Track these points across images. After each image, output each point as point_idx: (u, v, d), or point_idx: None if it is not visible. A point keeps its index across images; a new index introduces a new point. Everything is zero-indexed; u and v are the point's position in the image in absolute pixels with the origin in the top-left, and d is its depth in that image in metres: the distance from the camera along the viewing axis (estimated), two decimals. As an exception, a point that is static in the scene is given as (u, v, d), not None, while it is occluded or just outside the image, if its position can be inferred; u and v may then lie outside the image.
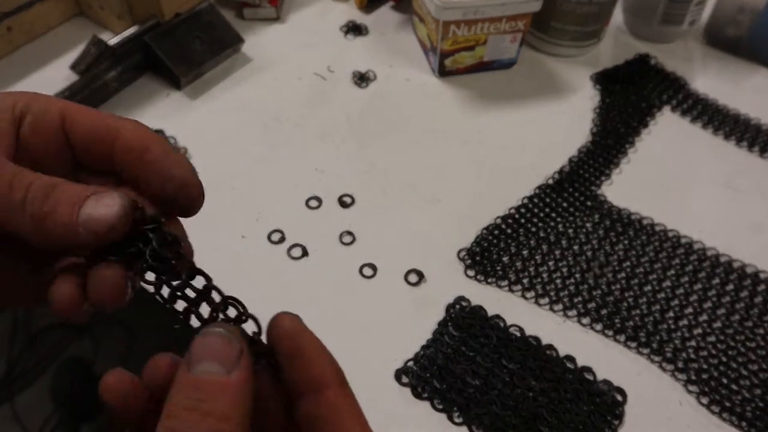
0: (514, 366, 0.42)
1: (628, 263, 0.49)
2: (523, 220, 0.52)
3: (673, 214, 0.53)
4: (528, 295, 0.47)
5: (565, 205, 0.54)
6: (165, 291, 0.22)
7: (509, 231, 0.51)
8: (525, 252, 0.50)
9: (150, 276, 0.22)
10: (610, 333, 0.45)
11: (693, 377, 0.43)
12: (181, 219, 0.25)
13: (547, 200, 0.54)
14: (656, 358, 0.44)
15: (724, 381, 0.43)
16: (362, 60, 0.68)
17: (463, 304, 0.46)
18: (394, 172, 0.56)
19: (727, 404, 0.41)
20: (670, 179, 0.57)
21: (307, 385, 0.22)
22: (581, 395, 0.41)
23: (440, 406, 0.41)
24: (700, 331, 0.45)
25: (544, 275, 0.48)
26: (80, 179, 0.24)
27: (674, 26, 0.69)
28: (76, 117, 0.23)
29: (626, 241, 0.51)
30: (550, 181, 0.55)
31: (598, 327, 0.45)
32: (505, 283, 0.48)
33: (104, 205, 0.20)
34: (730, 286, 0.48)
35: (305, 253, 0.50)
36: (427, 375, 0.42)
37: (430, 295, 0.47)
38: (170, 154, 0.24)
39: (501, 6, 0.59)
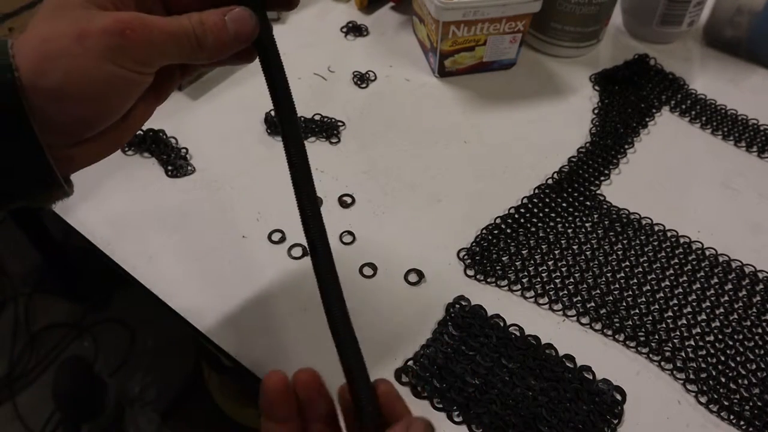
0: (513, 365, 0.43)
1: (627, 263, 0.49)
2: (522, 220, 0.52)
3: (672, 213, 0.53)
4: (527, 294, 0.47)
5: (564, 205, 0.54)
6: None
7: (509, 231, 0.52)
8: (524, 252, 0.50)
9: None
10: (609, 332, 0.45)
11: (692, 376, 0.43)
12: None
13: (547, 200, 0.54)
14: (655, 358, 0.44)
15: (723, 380, 0.43)
16: (362, 60, 0.68)
17: (463, 303, 0.46)
18: (394, 172, 0.57)
19: (726, 403, 0.42)
20: (669, 179, 0.57)
21: None
22: (581, 394, 0.41)
23: (440, 406, 0.41)
24: (698, 330, 0.46)
25: (544, 275, 0.48)
26: None
27: (673, 27, 0.69)
28: None
29: (625, 241, 0.51)
30: (550, 181, 0.56)
31: (598, 326, 0.46)
32: (505, 282, 0.48)
33: (242, 22, 0.30)
34: (729, 286, 0.48)
35: (305, 253, 0.50)
36: (427, 374, 0.42)
37: (430, 294, 0.47)
38: None
39: (501, 7, 0.59)
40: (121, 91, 0.28)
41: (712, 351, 0.44)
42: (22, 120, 0.25)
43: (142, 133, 0.58)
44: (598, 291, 0.48)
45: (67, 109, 0.26)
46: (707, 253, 0.50)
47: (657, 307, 0.47)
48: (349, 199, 0.54)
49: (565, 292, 0.47)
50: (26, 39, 0.26)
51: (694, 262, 0.50)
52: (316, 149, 0.58)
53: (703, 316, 0.46)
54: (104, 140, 0.30)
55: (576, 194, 0.55)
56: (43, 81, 0.25)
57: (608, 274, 0.49)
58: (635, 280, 0.48)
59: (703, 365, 0.44)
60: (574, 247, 0.51)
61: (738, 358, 0.44)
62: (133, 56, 0.27)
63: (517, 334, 0.45)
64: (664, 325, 0.46)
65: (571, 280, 0.48)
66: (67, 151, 0.28)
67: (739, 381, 0.43)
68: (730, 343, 0.45)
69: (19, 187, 0.28)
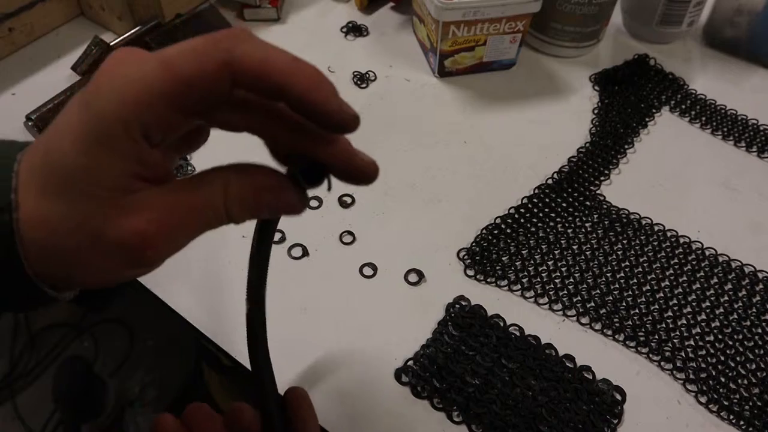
0: (513, 365, 0.43)
1: (627, 263, 0.49)
2: (522, 220, 0.52)
3: (672, 213, 0.53)
4: (527, 294, 0.47)
5: (564, 205, 0.54)
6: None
7: (509, 231, 0.52)
8: (524, 252, 0.50)
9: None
10: (609, 332, 0.45)
11: (691, 376, 0.43)
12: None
13: (547, 200, 0.54)
14: (655, 358, 0.44)
15: (722, 380, 0.43)
16: (362, 60, 0.68)
17: (463, 303, 0.46)
18: (394, 172, 0.56)
19: (725, 403, 0.42)
20: (669, 179, 0.57)
21: None
22: (580, 394, 0.41)
23: (440, 405, 0.41)
24: (698, 330, 0.46)
25: (544, 275, 0.48)
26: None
27: (673, 27, 0.69)
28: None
29: (625, 241, 0.51)
30: (550, 181, 0.56)
31: (597, 326, 0.46)
32: (505, 282, 0.48)
33: (291, 204, 0.25)
34: (729, 286, 0.48)
35: (305, 253, 0.50)
36: (427, 374, 0.42)
37: (430, 294, 0.47)
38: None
39: (501, 7, 0.59)
40: (129, 278, 0.25)
41: (712, 351, 0.44)
42: (14, 264, 0.23)
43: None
44: (598, 291, 0.48)
45: (68, 284, 0.25)
46: (707, 253, 0.50)
47: (657, 307, 0.47)
48: (349, 199, 0.54)
49: (565, 292, 0.47)
50: (31, 215, 0.22)
51: (694, 262, 0.50)
52: (316, 149, 0.58)
53: (703, 316, 0.46)
54: None
55: (576, 194, 0.55)
56: (49, 267, 0.23)
57: (608, 274, 0.49)
58: (635, 280, 0.48)
59: (703, 365, 0.44)
60: (574, 247, 0.51)
61: (738, 358, 0.44)
62: (150, 264, 0.24)
63: (517, 334, 0.45)
64: (663, 325, 0.46)
65: (571, 280, 0.48)
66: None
67: (739, 381, 0.43)
68: (730, 343, 0.45)
69: (11, 307, 0.26)
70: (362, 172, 0.26)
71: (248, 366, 0.43)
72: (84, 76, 0.61)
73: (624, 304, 0.47)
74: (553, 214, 0.53)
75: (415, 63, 0.69)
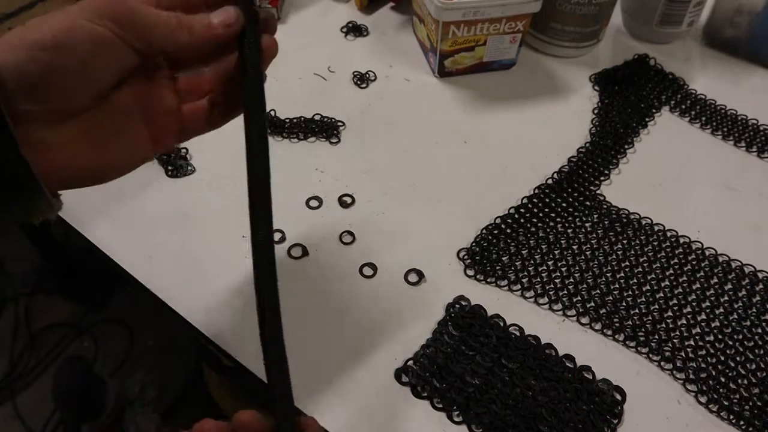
0: (513, 365, 0.43)
1: (627, 263, 0.49)
2: (522, 220, 0.52)
3: (672, 213, 0.53)
4: (527, 294, 0.47)
5: (564, 205, 0.54)
6: None
7: (509, 231, 0.52)
8: (524, 252, 0.50)
9: None
10: (609, 332, 0.45)
11: (691, 376, 0.43)
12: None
13: (547, 200, 0.54)
14: (655, 358, 0.44)
15: (722, 380, 0.43)
16: (362, 60, 0.68)
17: (463, 303, 0.46)
18: (394, 172, 0.57)
19: (725, 403, 0.42)
20: (669, 179, 0.57)
21: None
22: (580, 394, 0.41)
23: (440, 406, 0.41)
24: (698, 330, 0.46)
25: (544, 275, 0.48)
26: None
27: (673, 27, 0.69)
28: None
29: (625, 241, 0.51)
30: (550, 181, 0.56)
31: (597, 326, 0.46)
32: (505, 282, 0.48)
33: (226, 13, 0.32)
34: (729, 286, 0.48)
35: (305, 253, 0.50)
36: (427, 374, 0.42)
37: (430, 294, 0.47)
38: None
39: (501, 7, 0.59)
40: (101, 51, 0.28)
41: (712, 351, 0.44)
42: None
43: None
44: (598, 291, 0.48)
45: (40, 57, 0.27)
46: (707, 253, 0.50)
47: (657, 307, 0.47)
48: (349, 199, 0.54)
49: (565, 292, 0.47)
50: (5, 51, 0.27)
51: (694, 262, 0.50)
52: (316, 149, 0.58)
53: (703, 316, 0.46)
54: (83, 129, 0.29)
55: (576, 194, 0.55)
56: (25, 34, 0.27)
57: (608, 274, 0.49)
58: (635, 280, 0.48)
59: (703, 365, 0.44)
60: (574, 247, 0.51)
61: (738, 358, 0.44)
62: (117, 20, 0.28)
63: (517, 334, 0.45)
64: (663, 325, 0.46)
65: (571, 280, 0.48)
66: (41, 134, 0.28)
67: (739, 381, 0.43)
68: (730, 343, 0.45)
69: None
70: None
71: (248, 367, 0.43)
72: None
73: (624, 304, 0.47)
74: (553, 214, 0.53)
75: (415, 63, 0.69)
